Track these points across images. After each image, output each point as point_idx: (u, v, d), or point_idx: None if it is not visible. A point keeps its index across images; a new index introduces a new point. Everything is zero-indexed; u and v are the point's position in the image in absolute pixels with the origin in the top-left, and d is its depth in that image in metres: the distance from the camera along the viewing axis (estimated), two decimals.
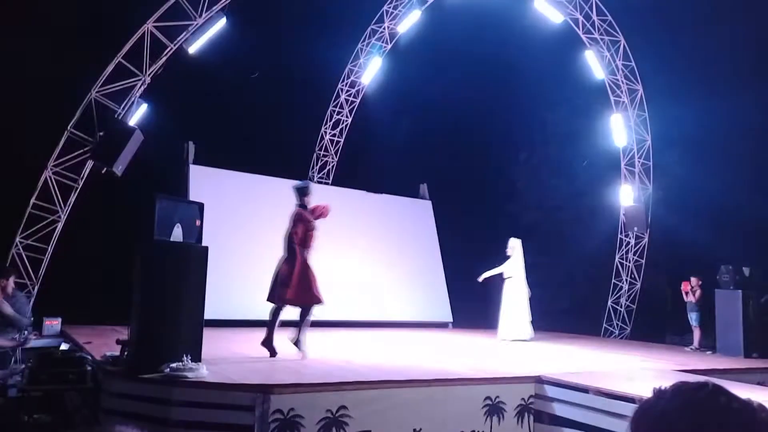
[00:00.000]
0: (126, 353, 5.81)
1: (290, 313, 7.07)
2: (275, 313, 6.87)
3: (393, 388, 5.35)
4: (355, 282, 12.71)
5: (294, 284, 6.68)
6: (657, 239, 12.86)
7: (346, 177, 14.51)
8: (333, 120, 15.04)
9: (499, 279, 10.60)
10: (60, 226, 9.14)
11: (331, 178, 15.00)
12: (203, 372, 5.40)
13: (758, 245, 10.35)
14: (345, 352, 7.82)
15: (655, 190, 12.96)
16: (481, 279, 10.55)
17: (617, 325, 13.18)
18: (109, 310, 8.04)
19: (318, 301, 6.86)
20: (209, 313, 6.20)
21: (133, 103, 9.21)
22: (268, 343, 6.81)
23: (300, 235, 6.83)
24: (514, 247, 10.59)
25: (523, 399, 5.83)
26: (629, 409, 4.97)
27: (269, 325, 6.86)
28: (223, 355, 6.86)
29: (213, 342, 7.42)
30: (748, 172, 10.70)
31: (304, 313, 6.88)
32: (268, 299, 6.91)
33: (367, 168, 14.23)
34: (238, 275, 11.05)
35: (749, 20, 10.20)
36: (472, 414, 5.55)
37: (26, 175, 9.00)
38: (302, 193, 7.13)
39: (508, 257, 10.61)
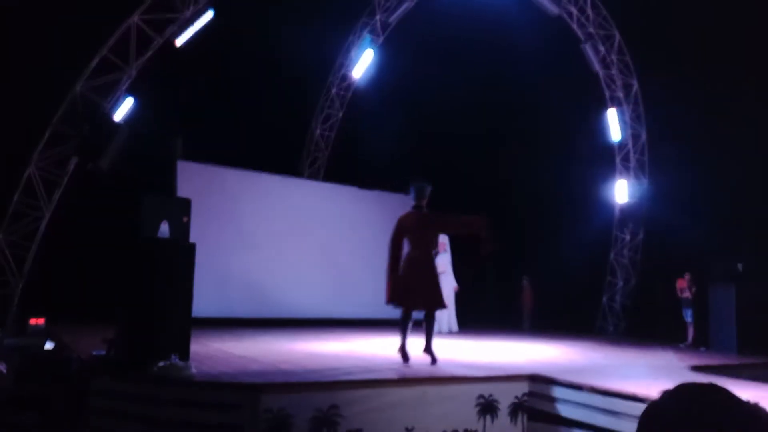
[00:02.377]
0: (113, 352, 5.72)
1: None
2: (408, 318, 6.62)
3: (384, 387, 5.27)
4: (346, 279, 12.63)
5: (423, 288, 6.46)
6: (652, 235, 12.81)
7: (337, 172, 14.38)
8: (324, 114, 14.90)
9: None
10: (44, 222, 8.99)
11: (321, 174, 14.87)
12: (191, 371, 5.33)
13: (752, 240, 10.32)
14: (335, 351, 7.73)
15: (651, 185, 12.91)
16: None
17: (612, 322, 13.14)
18: (96, 308, 7.91)
19: (443, 305, 6.62)
20: (197, 311, 6.12)
21: (119, 97, 9.06)
22: (403, 348, 6.51)
23: (430, 237, 6.73)
24: (444, 243, 10.93)
25: (516, 397, 5.75)
26: (624, 406, 4.91)
27: (404, 332, 6.56)
28: (211, 353, 6.76)
29: (201, 340, 7.33)
30: (744, 167, 10.65)
31: (430, 318, 6.65)
32: (398, 304, 6.61)
33: (359, 163, 14.10)
34: (226, 272, 10.94)
35: (748, 12, 10.14)
36: (465, 412, 5.47)
37: (9, 170, 8.83)
38: (423, 194, 6.87)
39: (436, 253, 10.88)
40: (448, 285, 10.78)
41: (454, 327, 10.84)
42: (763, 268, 9.89)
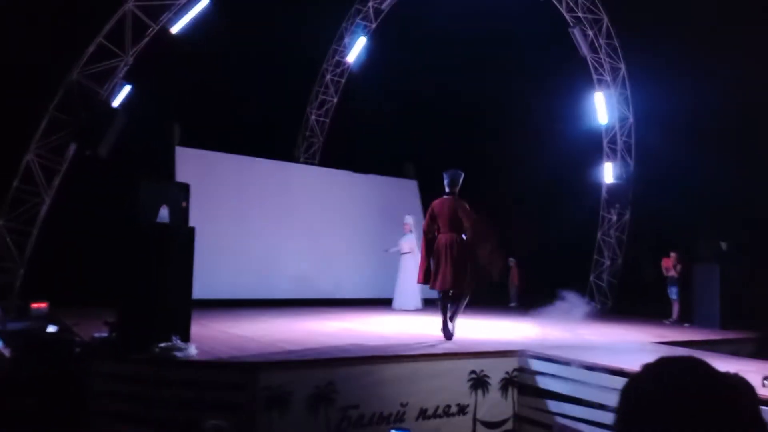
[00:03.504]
0: (114, 334, 5.83)
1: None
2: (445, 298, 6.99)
3: (380, 364, 5.45)
4: (343, 260, 12.80)
5: (449, 270, 6.77)
6: (638, 216, 13.07)
7: (332, 157, 14.49)
8: (318, 100, 14.98)
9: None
10: (44, 208, 9.06)
11: (317, 159, 14.98)
12: (192, 351, 5.46)
13: (735, 220, 10.55)
14: (332, 330, 7.91)
15: (637, 167, 13.13)
16: (386, 252, 11.70)
17: (599, 299, 13.41)
18: (97, 291, 8.03)
19: (468, 287, 6.93)
20: (197, 293, 6.26)
21: (116, 84, 9.09)
22: (445, 327, 6.93)
23: (459, 221, 6.94)
24: (411, 224, 11.35)
25: (507, 372, 5.96)
26: (611, 381, 5.12)
27: (443, 311, 6.96)
28: (211, 334, 6.92)
29: (202, 321, 7.48)
30: (728, 148, 10.85)
31: (456, 298, 7.00)
32: (429, 285, 7.03)
33: (354, 148, 14.21)
34: (225, 255, 11.10)
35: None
36: (458, 388, 5.69)
37: (8, 157, 8.87)
38: (455, 182, 7.13)
39: (405, 233, 11.38)
40: (413, 264, 10.84)
41: (419, 304, 11.10)
42: (745, 247, 10.16)
